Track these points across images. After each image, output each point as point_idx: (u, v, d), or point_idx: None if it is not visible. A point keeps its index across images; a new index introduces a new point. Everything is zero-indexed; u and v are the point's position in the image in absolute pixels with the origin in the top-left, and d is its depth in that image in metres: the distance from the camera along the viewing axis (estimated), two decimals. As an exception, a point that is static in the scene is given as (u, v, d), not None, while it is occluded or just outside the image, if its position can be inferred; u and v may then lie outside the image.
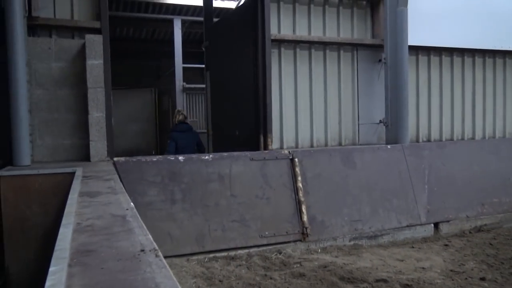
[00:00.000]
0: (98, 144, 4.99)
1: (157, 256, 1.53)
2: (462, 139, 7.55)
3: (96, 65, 4.99)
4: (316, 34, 6.58)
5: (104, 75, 5.02)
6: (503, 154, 6.97)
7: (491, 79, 7.76)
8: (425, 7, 6.86)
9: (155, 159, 4.94)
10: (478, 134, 7.69)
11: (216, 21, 7.78)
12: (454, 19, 7.08)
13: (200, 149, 7.10)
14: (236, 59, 6.75)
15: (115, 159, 4.85)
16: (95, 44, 4.98)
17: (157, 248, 1.62)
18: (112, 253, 1.57)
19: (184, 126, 6.94)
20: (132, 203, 2.54)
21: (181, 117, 6.94)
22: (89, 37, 4.98)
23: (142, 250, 1.59)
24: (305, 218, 5.23)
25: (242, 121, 6.60)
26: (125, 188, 3.35)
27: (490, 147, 7.05)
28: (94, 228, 1.93)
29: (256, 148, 6.11)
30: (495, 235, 5.98)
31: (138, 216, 2.18)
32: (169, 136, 7.04)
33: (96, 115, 4.99)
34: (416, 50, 7.08)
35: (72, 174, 3.89)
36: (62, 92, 5.06)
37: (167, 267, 1.44)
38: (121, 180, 3.84)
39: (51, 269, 1.38)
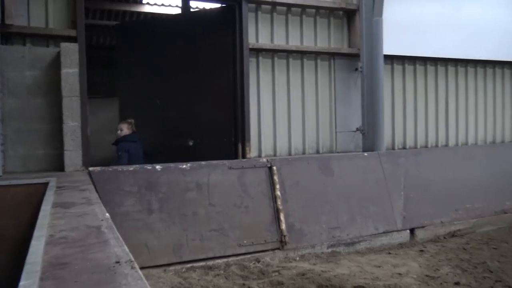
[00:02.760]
0: (73, 154, 4.90)
1: (132, 267, 1.51)
2: (436, 146, 7.70)
3: (71, 74, 4.92)
4: (294, 43, 6.64)
5: (80, 84, 4.96)
6: (476, 161, 7.15)
7: (463, 87, 7.97)
8: (400, 17, 6.99)
9: (131, 169, 4.88)
10: (452, 141, 7.86)
11: (138, 21, 7.24)
12: (428, 29, 7.23)
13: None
14: (199, 66, 6.53)
15: (90, 169, 4.76)
16: (71, 53, 4.92)
17: (133, 259, 1.60)
18: (87, 266, 1.54)
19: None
20: (107, 214, 2.50)
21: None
22: (64, 45, 4.92)
23: (118, 262, 1.56)
24: (283, 226, 5.24)
25: (203, 130, 6.48)
26: (101, 199, 3.30)
27: (463, 154, 7.24)
28: (68, 240, 1.89)
29: (232, 157, 6.10)
30: (468, 240, 6.11)
31: (114, 227, 2.15)
32: None
33: (71, 124, 4.91)
34: (391, 59, 7.22)
35: (46, 184, 3.81)
36: (36, 101, 4.96)
37: (143, 278, 1.42)
38: (96, 191, 3.78)
39: (21, 283, 1.34)
